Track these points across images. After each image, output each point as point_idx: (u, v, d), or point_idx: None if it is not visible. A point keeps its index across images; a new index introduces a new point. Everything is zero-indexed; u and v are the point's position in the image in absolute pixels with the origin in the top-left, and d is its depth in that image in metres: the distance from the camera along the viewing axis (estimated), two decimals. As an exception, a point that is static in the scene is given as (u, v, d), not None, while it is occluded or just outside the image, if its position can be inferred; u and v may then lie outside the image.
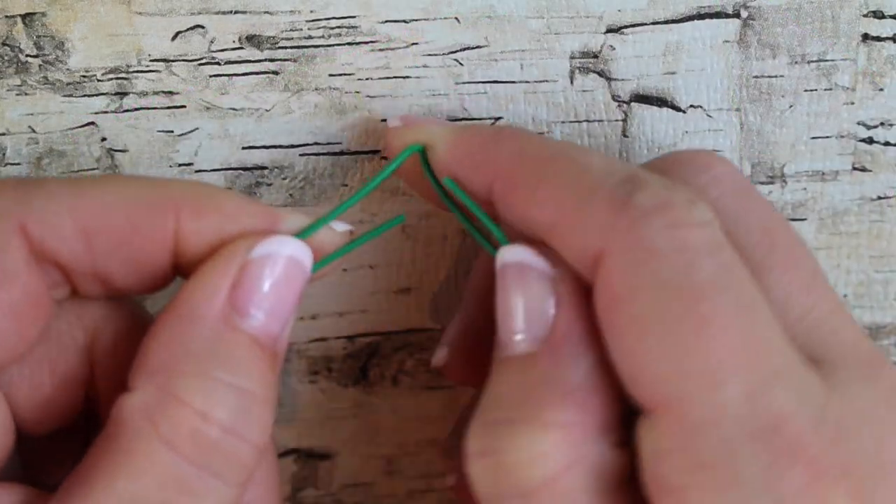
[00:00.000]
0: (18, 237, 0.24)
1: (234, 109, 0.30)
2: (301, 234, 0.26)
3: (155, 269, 0.25)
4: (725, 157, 0.28)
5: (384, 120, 0.31)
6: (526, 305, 0.24)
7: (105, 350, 0.27)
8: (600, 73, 0.31)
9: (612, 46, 0.30)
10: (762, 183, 0.32)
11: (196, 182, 0.26)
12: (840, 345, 0.23)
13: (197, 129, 0.30)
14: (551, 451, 0.22)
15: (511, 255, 0.25)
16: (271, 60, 0.30)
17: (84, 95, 0.30)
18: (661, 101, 0.31)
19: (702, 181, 0.26)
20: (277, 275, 0.25)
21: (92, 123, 0.30)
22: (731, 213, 0.25)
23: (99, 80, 0.29)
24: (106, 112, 0.30)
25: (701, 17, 0.30)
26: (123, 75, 0.30)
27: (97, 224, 0.24)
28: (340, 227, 0.27)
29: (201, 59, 0.30)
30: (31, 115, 0.30)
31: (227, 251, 0.25)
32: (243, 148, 0.31)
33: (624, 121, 0.31)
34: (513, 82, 0.31)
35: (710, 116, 0.31)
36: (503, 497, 0.22)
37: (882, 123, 0.32)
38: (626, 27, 0.30)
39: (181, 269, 0.26)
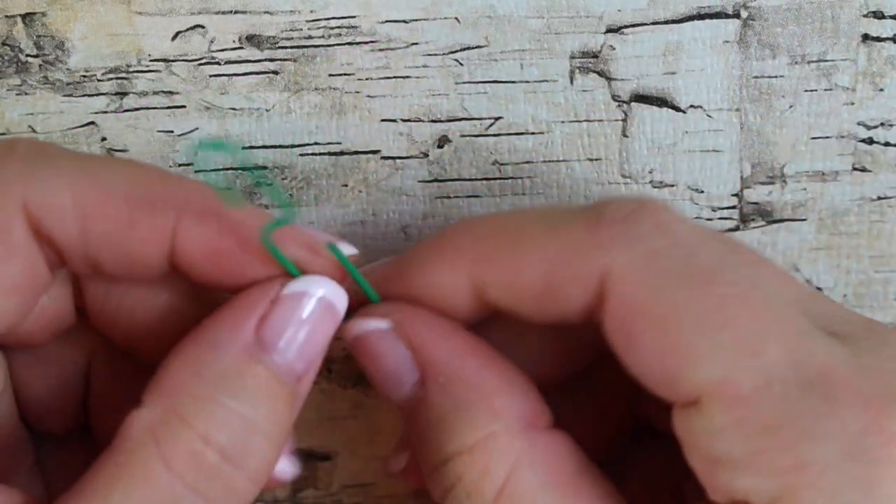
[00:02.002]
0: (22, 214, 0.24)
1: (234, 109, 0.30)
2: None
3: (148, 262, 0.25)
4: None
5: (384, 120, 0.31)
6: (385, 367, 0.26)
7: (100, 376, 0.28)
8: (600, 73, 0.31)
9: (612, 46, 0.30)
10: (762, 183, 0.32)
11: (202, 184, 0.26)
12: (844, 320, 0.24)
13: (197, 129, 0.30)
14: (491, 463, 0.24)
15: (357, 328, 0.26)
16: (271, 60, 0.30)
17: (84, 95, 0.30)
18: (661, 101, 0.31)
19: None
20: (308, 314, 0.25)
21: (92, 123, 0.30)
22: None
23: (99, 80, 0.29)
24: (106, 112, 0.30)
25: (701, 17, 0.30)
26: (123, 75, 0.30)
27: (96, 210, 0.24)
28: (347, 249, 0.27)
29: (201, 59, 0.30)
30: (31, 114, 0.30)
31: (262, 284, 0.25)
32: (243, 148, 0.31)
33: (624, 121, 0.31)
34: (513, 82, 0.31)
35: (710, 116, 0.31)
36: None
37: (882, 124, 0.32)
38: (626, 27, 0.30)
39: (177, 267, 0.26)
